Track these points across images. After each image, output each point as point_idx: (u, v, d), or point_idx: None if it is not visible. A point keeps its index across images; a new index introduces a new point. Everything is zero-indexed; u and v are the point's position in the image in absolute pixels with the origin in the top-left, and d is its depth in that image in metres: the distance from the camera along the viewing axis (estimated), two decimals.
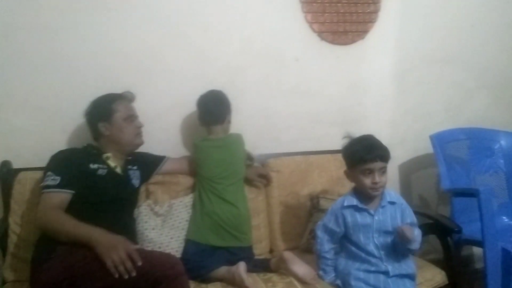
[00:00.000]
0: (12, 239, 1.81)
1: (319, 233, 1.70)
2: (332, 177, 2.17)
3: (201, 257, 1.79)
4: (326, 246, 1.69)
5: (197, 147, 1.97)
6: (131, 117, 1.85)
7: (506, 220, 2.37)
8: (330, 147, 2.24)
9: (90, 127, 1.85)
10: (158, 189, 2.01)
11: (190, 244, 1.86)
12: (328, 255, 1.69)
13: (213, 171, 1.93)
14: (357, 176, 1.61)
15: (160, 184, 2.02)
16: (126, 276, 1.36)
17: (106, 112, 1.79)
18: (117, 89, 1.88)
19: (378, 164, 1.56)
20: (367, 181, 1.58)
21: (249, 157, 2.06)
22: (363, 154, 1.56)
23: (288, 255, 1.73)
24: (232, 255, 1.83)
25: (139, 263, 1.38)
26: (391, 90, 2.48)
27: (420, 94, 2.55)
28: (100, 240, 1.45)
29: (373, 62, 2.42)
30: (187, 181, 2.05)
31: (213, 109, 1.96)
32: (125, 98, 1.86)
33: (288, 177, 2.14)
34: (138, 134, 1.88)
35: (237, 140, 2.01)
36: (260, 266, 1.80)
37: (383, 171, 1.58)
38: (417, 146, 2.53)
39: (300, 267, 1.68)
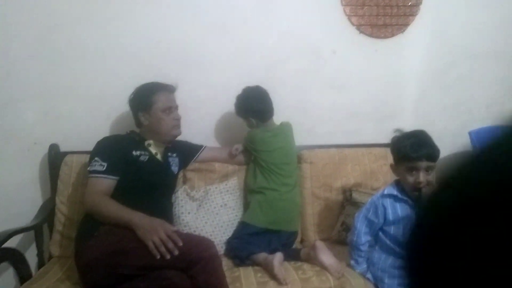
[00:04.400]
0: (59, 217, 1.94)
1: (358, 224, 1.69)
2: (366, 171, 2.17)
3: (249, 240, 1.86)
4: (363, 238, 1.68)
5: (257, 137, 2.02)
6: (170, 109, 1.90)
7: None
8: (365, 141, 2.24)
9: (132, 115, 1.93)
10: (195, 175, 2.09)
11: (243, 226, 1.93)
12: (363, 248, 1.69)
13: (276, 158, 2.00)
14: (401, 172, 1.58)
15: (197, 171, 2.09)
16: (168, 257, 1.43)
17: (146, 103, 1.87)
18: (159, 79, 1.95)
19: (424, 163, 1.51)
20: (411, 179, 1.54)
21: None
22: (409, 151, 1.52)
23: (320, 244, 1.75)
24: (280, 239, 1.90)
25: (180, 244, 1.45)
26: (430, 85, 2.43)
27: (460, 89, 2.48)
28: (141, 223, 1.53)
29: (412, 56, 2.38)
30: (222, 169, 2.11)
31: (266, 106, 2.02)
32: (165, 89, 1.92)
33: (321, 169, 2.16)
34: (176, 125, 1.93)
35: (290, 126, 2.11)
36: (291, 255, 1.84)
37: (429, 170, 1.53)
38: (455, 143, 2.48)
39: (329, 258, 1.70)
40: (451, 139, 2.49)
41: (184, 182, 2.07)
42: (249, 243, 1.84)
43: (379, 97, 2.38)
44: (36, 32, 2.01)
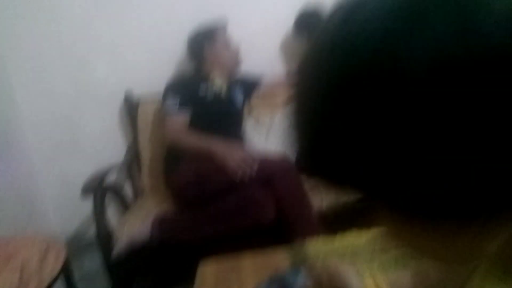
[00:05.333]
0: (144, 156, 2.16)
1: None
2: None
3: None
4: None
5: None
6: (230, 44, 2.01)
7: None
8: None
9: (194, 54, 2.04)
10: (260, 103, 2.18)
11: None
12: None
13: None
14: None
15: (261, 98, 2.18)
16: (247, 175, 1.59)
17: (209, 33, 1.98)
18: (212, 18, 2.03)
19: None
20: None
21: None
22: None
23: None
24: None
25: (257, 162, 1.60)
26: None
27: None
28: (220, 148, 1.69)
29: None
30: (286, 93, 2.12)
31: None
32: (225, 26, 2.02)
33: None
34: (238, 60, 2.04)
35: None
36: None
37: None
38: None
39: None
40: None
41: (250, 112, 2.18)
42: None
43: None
44: None
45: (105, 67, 2.22)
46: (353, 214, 1.66)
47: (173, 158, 1.84)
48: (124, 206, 1.98)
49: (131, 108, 2.21)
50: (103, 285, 1.81)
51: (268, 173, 1.59)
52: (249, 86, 2.16)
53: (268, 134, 2.08)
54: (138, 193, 2.13)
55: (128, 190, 2.10)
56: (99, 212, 1.66)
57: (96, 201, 1.66)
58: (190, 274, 1.12)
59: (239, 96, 2.09)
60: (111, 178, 1.95)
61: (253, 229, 1.57)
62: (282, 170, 1.59)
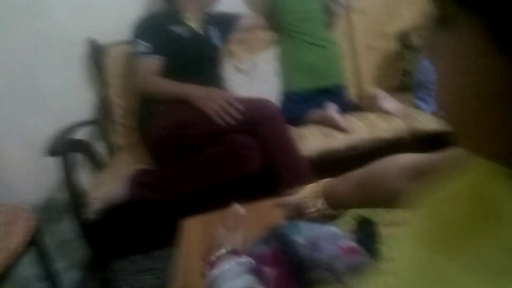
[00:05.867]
0: (117, 110, 1.96)
1: (426, 62, 1.58)
2: (423, 11, 1.97)
3: (294, 106, 1.81)
4: (432, 75, 1.56)
5: None
6: None
7: None
8: None
9: None
10: (240, 47, 1.99)
11: (282, 96, 1.90)
12: (432, 86, 1.58)
13: (294, 16, 1.88)
14: None
15: (241, 42, 1.99)
16: (232, 121, 1.42)
17: None
18: None
19: None
20: None
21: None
22: None
23: (378, 91, 1.68)
24: (326, 96, 1.83)
25: (241, 108, 1.42)
26: None
27: None
28: (199, 94, 1.50)
29: None
30: (266, 36, 2.00)
31: None
32: None
33: (374, 18, 1.98)
34: None
35: None
36: (351, 108, 1.79)
37: None
38: None
39: (391, 103, 1.64)
40: None
41: (230, 56, 1.98)
42: (296, 108, 1.79)
43: None
44: None
45: (66, 12, 1.96)
46: (341, 160, 1.55)
47: (147, 111, 1.65)
48: (98, 166, 1.80)
49: (97, 58, 1.98)
50: (81, 251, 1.67)
51: (252, 119, 1.43)
52: (226, 25, 1.95)
53: (251, 81, 1.89)
54: (111, 151, 1.95)
55: (100, 149, 1.91)
56: (68, 173, 1.48)
57: (65, 162, 1.48)
58: (172, 236, 1.00)
59: (215, 35, 1.89)
60: (82, 136, 1.77)
61: (239, 180, 1.45)
62: (268, 115, 1.43)
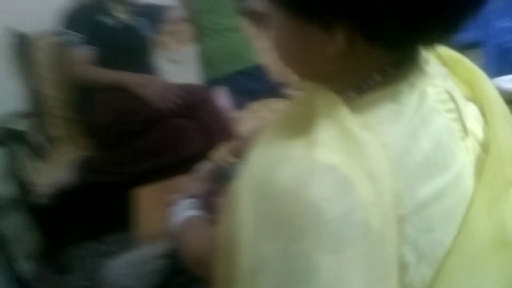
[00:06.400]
0: (51, 102, 1.95)
1: None
2: None
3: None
4: None
5: None
6: None
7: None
8: None
9: None
10: (170, 38, 2.08)
11: (209, 82, 2.04)
12: None
13: (205, 7, 2.02)
14: None
15: (171, 33, 2.09)
16: (171, 105, 1.53)
17: None
18: None
19: None
20: None
21: None
22: None
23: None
24: (249, 78, 2.00)
25: (179, 92, 1.55)
26: None
27: None
28: (136, 80, 1.61)
29: None
30: (191, 27, 2.13)
31: None
32: None
33: None
34: None
35: None
36: (274, 90, 1.97)
37: None
38: None
39: None
40: None
41: (161, 47, 2.07)
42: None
43: None
44: None
45: None
46: None
47: (87, 100, 1.71)
48: (40, 156, 1.82)
49: (23, 51, 1.95)
50: (34, 242, 1.70)
51: (192, 102, 1.56)
52: (155, 16, 2.02)
53: (183, 71, 2.02)
54: (52, 142, 1.96)
55: (41, 140, 1.92)
56: (12, 164, 1.50)
57: (10, 153, 1.50)
58: (124, 220, 1.08)
59: (145, 26, 1.96)
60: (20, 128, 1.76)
61: (182, 161, 1.54)
62: (206, 98, 1.58)
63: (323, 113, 0.40)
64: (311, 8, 0.38)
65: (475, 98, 0.49)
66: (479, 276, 0.41)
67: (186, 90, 1.61)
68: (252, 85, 1.93)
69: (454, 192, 0.42)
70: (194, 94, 1.61)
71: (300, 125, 0.41)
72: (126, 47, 1.82)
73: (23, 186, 1.53)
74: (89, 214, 1.64)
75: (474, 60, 0.51)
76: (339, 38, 0.38)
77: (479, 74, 0.51)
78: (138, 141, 1.57)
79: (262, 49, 2.07)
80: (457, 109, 0.45)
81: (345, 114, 0.40)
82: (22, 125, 1.82)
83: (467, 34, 1.96)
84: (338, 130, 0.39)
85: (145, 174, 1.55)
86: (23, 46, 1.95)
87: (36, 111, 1.94)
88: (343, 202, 0.36)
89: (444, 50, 0.50)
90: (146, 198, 1.09)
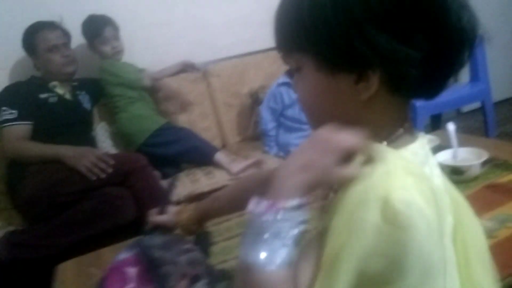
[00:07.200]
0: None
1: (263, 114, 2.00)
2: (267, 73, 2.38)
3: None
4: (269, 125, 2.00)
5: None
6: (56, 47, 1.84)
7: None
8: (262, 47, 2.41)
9: (33, 62, 1.90)
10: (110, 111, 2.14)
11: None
12: (271, 133, 1.99)
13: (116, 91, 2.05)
14: None
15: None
16: (104, 175, 1.56)
17: (30, 45, 1.84)
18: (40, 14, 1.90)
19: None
20: None
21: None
22: None
23: (224, 158, 1.92)
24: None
25: (111, 162, 1.58)
26: None
27: None
28: (69, 153, 1.63)
29: None
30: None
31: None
32: (45, 27, 1.83)
33: (228, 80, 2.34)
34: (66, 62, 1.88)
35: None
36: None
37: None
38: None
39: (237, 165, 1.88)
40: None
41: (101, 119, 2.13)
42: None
43: (270, 5, 2.51)
44: None
45: None
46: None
47: (18, 173, 1.69)
48: None
49: None
50: None
51: (123, 171, 1.60)
52: (96, 90, 2.08)
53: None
54: None
55: None
56: None
57: None
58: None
59: (85, 101, 2.01)
60: None
61: (113, 229, 1.55)
62: (138, 167, 1.61)
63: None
64: (351, 59, 0.44)
65: None
66: None
67: (119, 158, 1.65)
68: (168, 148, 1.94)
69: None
70: (127, 163, 1.64)
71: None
72: (66, 121, 1.85)
73: None
74: None
75: None
76: (373, 82, 0.45)
77: None
78: (69, 213, 1.55)
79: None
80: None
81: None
82: None
83: None
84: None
85: (75, 246, 1.51)
86: None
87: None
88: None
89: None
90: (70, 272, 1.08)
